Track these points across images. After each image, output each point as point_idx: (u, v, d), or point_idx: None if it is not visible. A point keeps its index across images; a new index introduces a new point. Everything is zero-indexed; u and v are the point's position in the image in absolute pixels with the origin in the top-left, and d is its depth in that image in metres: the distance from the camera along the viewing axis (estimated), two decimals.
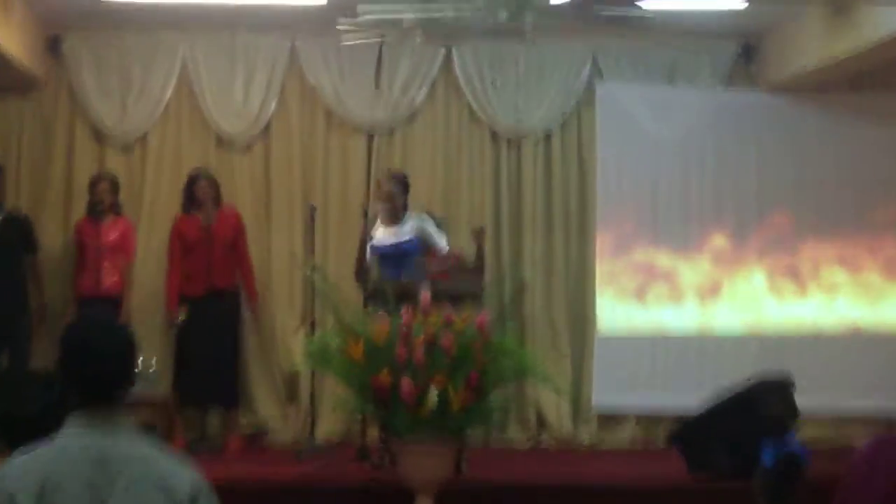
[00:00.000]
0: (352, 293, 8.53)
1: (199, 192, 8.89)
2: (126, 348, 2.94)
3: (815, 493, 5.31)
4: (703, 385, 8.96)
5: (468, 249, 8.32)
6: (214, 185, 9.00)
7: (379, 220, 8.20)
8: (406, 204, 8.26)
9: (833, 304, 9.74)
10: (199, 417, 8.94)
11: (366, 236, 8.06)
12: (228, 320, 8.93)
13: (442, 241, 8.15)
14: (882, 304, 9.76)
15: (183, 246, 8.88)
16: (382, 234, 8.16)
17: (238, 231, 9.02)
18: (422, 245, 8.09)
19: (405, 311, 6.88)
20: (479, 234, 8.37)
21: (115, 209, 9.00)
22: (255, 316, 9.23)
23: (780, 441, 6.28)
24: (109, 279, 8.78)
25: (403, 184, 8.30)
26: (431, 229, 8.16)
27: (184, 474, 2.87)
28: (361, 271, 8.02)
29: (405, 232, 8.12)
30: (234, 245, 8.97)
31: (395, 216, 8.15)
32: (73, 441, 2.82)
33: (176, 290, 8.89)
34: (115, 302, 8.74)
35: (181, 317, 8.80)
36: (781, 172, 9.69)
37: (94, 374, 2.85)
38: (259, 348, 9.40)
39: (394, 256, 8.05)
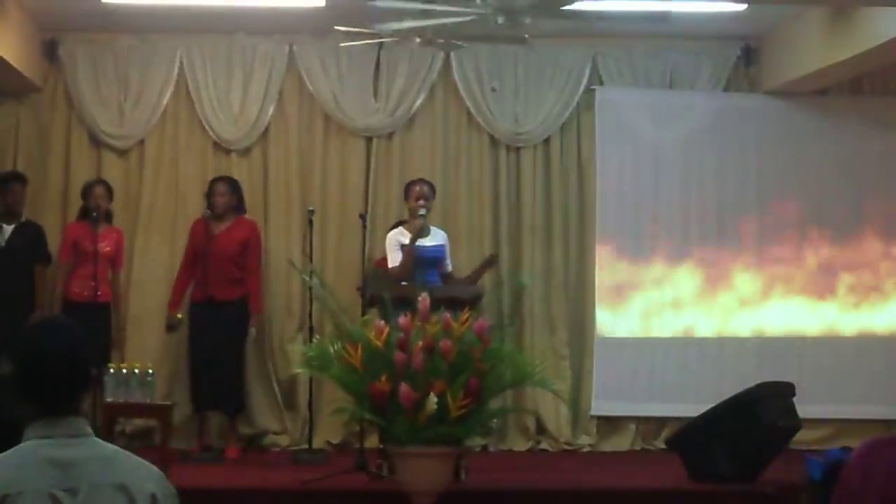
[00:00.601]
0: (350, 298, 8.51)
1: (212, 198, 8.82)
2: (82, 351, 2.89)
3: None
4: (703, 389, 8.95)
5: (473, 262, 8.28)
6: (235, 191, 8.87)
7: (408, 226, 8.01)
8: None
9: (834, 307, 9.71)
10: (198, 426, 8.90)
11: (414, 239, 7.88)
12: (229, 329, 8.75)
13: (450, 262, 8.12)
14: (882, 308, 9.73)
15: (193, 250, 8.82)
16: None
17: (247, 244, 8.81)
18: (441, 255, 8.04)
19: (404, 318, 6.85)
20: (489, 261, 8.25)
21: (108, 216, 8.95)
22: (257, 331, 8.88)
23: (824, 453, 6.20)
24: (105, 287, 8.74)
25: (433, 189, 8.26)
26: (448, 246, 8.12)
27: (146, 474, 2.83)
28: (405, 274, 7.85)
29: (435, 238, 8.05)
30: (243, 257, 8.85)
31: (426, 222, 8.01)
32: (34, 449, 2.79)
33: (180, 291, 8.84)
34: (107, 310, 8.75)
35: (178, 315, 8.76)
36: (782, 176, 9.66)
37: (52, 378, 2.81)
38: (257, 355, 9.33)
39: (423, 260, 7.93)
